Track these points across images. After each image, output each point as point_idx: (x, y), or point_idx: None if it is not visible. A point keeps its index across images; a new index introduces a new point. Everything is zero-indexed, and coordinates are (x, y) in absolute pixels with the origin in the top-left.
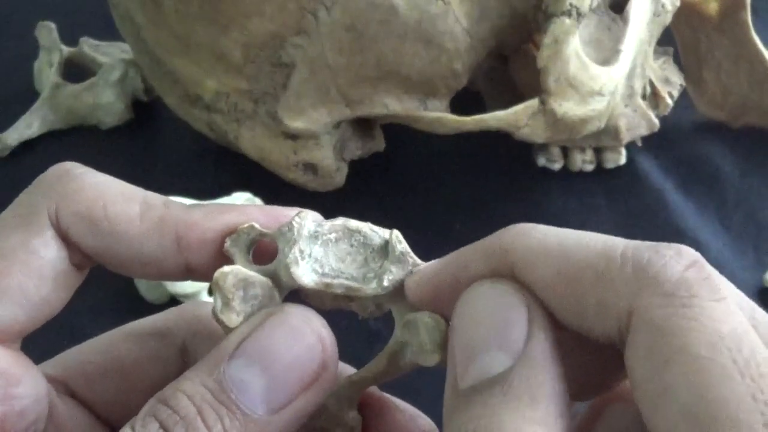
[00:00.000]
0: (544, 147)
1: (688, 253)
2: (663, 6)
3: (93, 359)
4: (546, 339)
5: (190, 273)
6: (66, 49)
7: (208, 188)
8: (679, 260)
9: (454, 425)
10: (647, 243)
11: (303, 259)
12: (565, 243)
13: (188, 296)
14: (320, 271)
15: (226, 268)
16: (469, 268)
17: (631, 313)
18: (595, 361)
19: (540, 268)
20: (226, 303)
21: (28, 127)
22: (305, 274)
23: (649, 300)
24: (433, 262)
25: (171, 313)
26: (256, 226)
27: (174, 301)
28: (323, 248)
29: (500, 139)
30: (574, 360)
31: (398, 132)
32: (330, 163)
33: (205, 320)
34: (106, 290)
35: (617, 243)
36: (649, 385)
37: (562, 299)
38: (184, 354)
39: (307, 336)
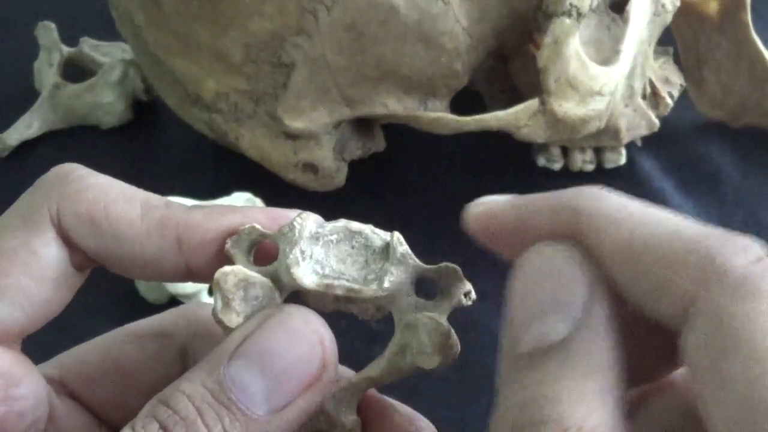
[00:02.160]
0: (544, 147)
1: (757, 246)
2: (663, 6)
3: (92, 360)
4: (605, 309)
5: (190, 274)
6: (66, 49)
7: (208, 188)
8: (747, 253)
9: (510, 392)
10: (719, 231)
11: (304, 260)
12: (637, 216)
13: (188, 296)
14: (321, 272)
15: (227, 268)
16: (537, 218)
17: (694, 299)
18: (649, 346)
19: (607, 237)
20: (227, 303)
21: (28, 127)
22: (306, 275)
23: (713, 289)
24: (499, 197)
25: (171, 314)
26: (258, 227)
27: (174, 301)
28: (324, 249)
29: (500, 139)
30: (628, 344)
31: (398, 132)
32: (330, 163)
33: (205, 322)
34: (106, 290)
35: (689, 226)
36: (708, 375)
37: (625, 272)
38: (183, 355)
39: (307, 336)
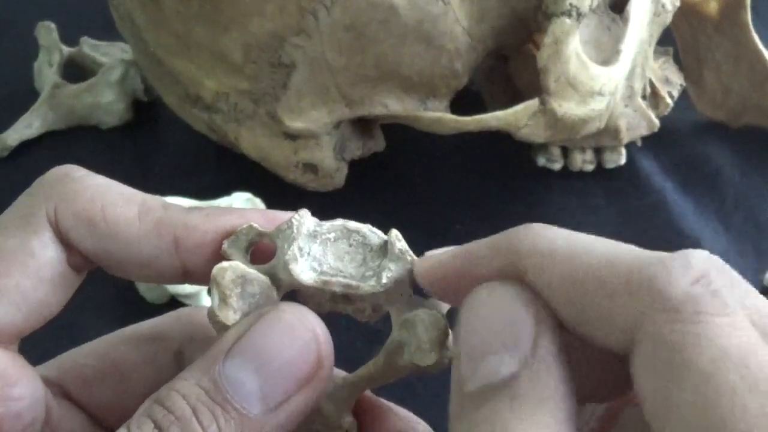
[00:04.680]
0: (544, 147)
1: (698, 263)
2: (663, 6)
3: (89, 362)
4: (553, 343)
5: (187, 276)
6: (66, 49)
7: (208, 188)
8: (686, 273)
9: (461, 430)
10: (656, 254)
11: (302, 256)
12: (575, 248)
13: (188, 296)
14: (319, 269)
15: (224, 264)
16: (480, 263)
17: (637, 326)
18: (609, 363)
19: (547, 272)
20: (224, 299)
21: (28, 127)
22: (304, 272)
23: (654, 315)
24: (445, 249)
25: (168, 317)
26: (255, 225)
27: (174, 300)
28: (322, 247)
29: (500, 139)
30: (587, 361)
31: (398, 132)
32: (330, 163)
33: (201, 325)
34: (105, 290)
35: (625, 252)
36: (656, 402)
37: (569, 305)
38: (179, 358)
39: (302, 334)
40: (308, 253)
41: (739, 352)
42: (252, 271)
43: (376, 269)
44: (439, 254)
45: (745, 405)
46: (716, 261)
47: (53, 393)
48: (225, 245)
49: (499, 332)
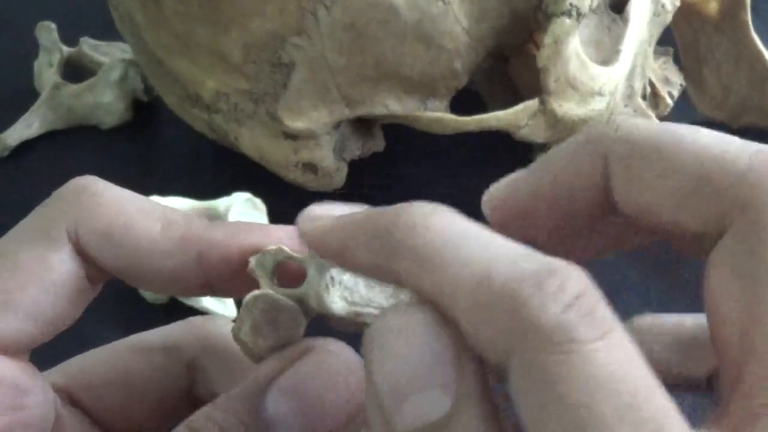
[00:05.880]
0: (544, 147)
1: (575, 282)
2: (663, 6)
3: (99, 370)
4: (477, 371)
5: (210, 290)
6: (66, 49)
7: (208, 188)
8: (559, 296)
9: None
10: (530, 272)
11: (333, 286)
12: (449, 258)
13: (188, 297)
14: (350, 299)
15: (257, 292)
16: (357, 246)
17: (510, 352)
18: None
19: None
20: (254, 327)
21: (28, 127)
22: (335, 302)
23: (524, 343)
24: (329, 209)
25: (179, 327)
26: (285, 249)
27: (174, 301)
28: (353, 277)
29: (500, 139)
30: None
31: (398, 132)
32: (330, 163)
33: (214, 336)
34: (105, 290)
35: (500, 267)
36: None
37: (463, 325)
38: (191, 369)
39: (347, 379)
40: (339, 283)
41: (612, 379)
42: (283, 299)
43: (407, 299)
44: (324, 217)
45: None
46: (588, 278)
47: (62, 400)
48: (252, 263)
49: (421, 366)
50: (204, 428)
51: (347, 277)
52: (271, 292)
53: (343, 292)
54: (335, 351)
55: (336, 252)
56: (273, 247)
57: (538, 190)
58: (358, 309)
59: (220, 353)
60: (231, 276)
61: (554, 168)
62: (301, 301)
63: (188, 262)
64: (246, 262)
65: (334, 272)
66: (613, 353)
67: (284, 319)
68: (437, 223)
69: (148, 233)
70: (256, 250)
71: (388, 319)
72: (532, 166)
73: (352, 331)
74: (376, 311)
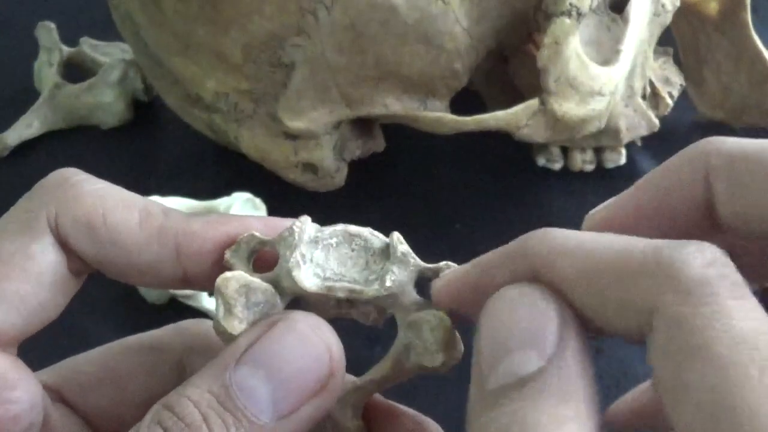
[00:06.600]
0: (544, 147)
1: (711, 249)
2: (663, 6)
3: (88, 369)
4: (578, 341)
5: (188, 282)
6: (66, 49)
7: (208, 188)
8: (699, 257)
9: (481, 423)
10: (668, 240)
11: (305, 263)
12: (586, 243)
13: (188, 297)
14: (322, 275)
15: (228, 274)
16: (494, 272)
17: (654, 310)
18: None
19: (561, 269)
20: (228, 309)
21: (28, 127)
22: (307, 279)
23: (669, 296)
24: (459, 267)
25: (169, 329)
26: (256, 234)
27: (174, 301)
28: (324, 253)
29: (500, 139)
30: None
31: (398, 132)
32: (330, 163)
33: (203, 337)
34: (106, 290)
35: (638, 241)
36: (669, 384)
37: (584, 298)
38: (180, 369)
39: (315, 343)
40: (311, 260)
41: (751, 334)
42: (256, 280)
43: (379, 272)
44: (453, 271)
45: (756, 388)
46: (722, 251)
47: (51, 398)
48: (227, 254)
49: (523, 329)
50: (177, 404)
51: (318, 253)
52: (240, 272)
53: (315, 269)
54: (301, 319)
55: (475, 286)
56: (245, 234)
57: (639, 211)
58: (331, 284)
59: (208, 353)
60: (209, 268)
61: (656, 188)
62: (276, 284)
63: (166, 254)
64: (222, 254)
65: (305, 249)
66: (750, 311)
67: (259, 301)
68: (563, 230)
69: (126, 224)
70: (233, 241)
71: (504, 290)
72: (634, 187)
73: (330, 316)
74: (349, 285)
